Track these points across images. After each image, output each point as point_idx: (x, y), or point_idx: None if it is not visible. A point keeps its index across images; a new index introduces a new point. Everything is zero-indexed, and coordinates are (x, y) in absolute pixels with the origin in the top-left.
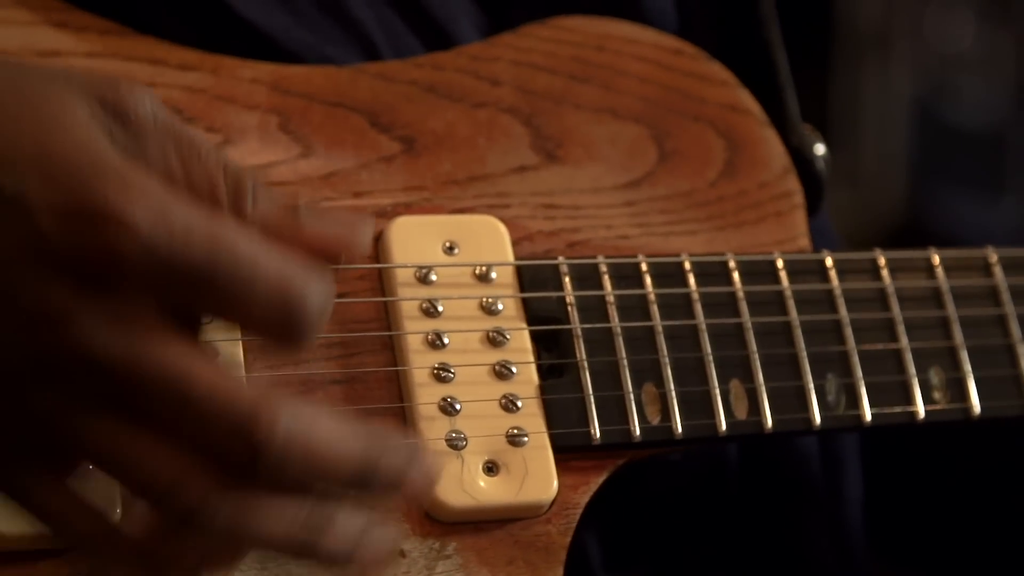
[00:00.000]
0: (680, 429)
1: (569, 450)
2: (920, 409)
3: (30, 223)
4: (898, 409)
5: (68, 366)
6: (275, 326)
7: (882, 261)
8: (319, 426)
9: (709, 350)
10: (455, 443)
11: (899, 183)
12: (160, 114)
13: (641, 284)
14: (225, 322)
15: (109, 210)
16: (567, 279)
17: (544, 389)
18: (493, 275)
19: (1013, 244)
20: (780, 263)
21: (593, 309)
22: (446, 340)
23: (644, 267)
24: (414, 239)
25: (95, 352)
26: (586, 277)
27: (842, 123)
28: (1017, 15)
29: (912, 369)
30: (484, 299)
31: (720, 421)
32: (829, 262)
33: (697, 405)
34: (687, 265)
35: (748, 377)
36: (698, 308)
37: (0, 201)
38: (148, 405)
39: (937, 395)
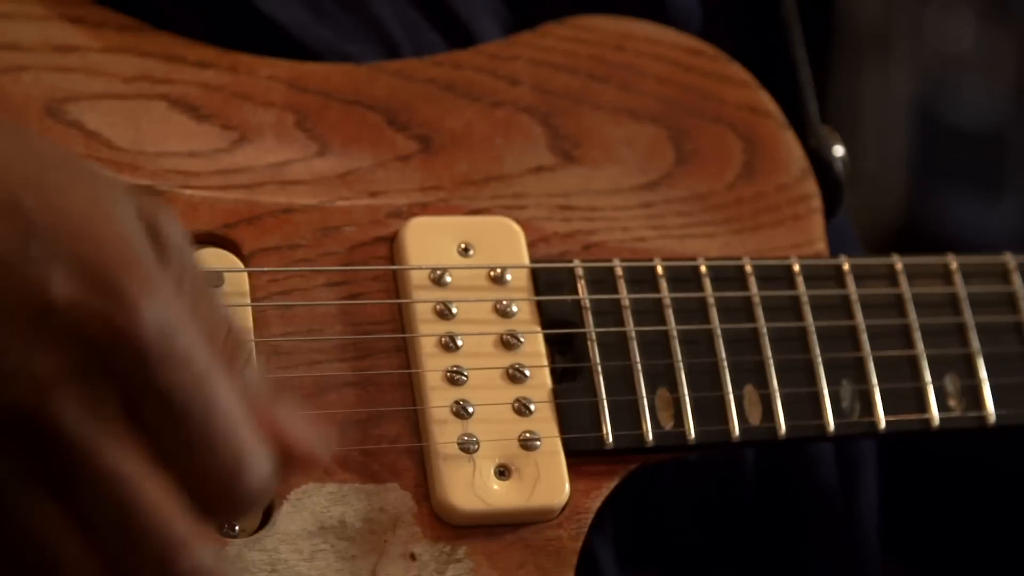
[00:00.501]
0: (693, 434)
1: (581, 454)
2: (935, 416)
3: (46, 289)
4: (913, 416)
5: (31, 433)
6: (213, 488)
7: (899, 266)
8: None
9: (724, 355)
10: (467, 446)
11: (899, 183)
12: (187, 249)
13: (656, 288)
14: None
15: (125, 299)
16: (582, 282)
17: (557, 393)
18: (508, 277)
19: (1014, 244)
20: (797, 268)
21: (608, 313)
22: (460, 343)
23: (660, 271)
24: (429, 240)
25: (62, 429)
26: (601, 280)
27: (842, 123)
28: (1017, 15)
29: (927, 376)
30: (499, 302)
31: (734, 427)
32: (846, 267)
33: (711, 410)
34: (703, 269)
35: (762, 383)
36: (713, 313)
37: (24, 260)
38: (90, 500)
39: (952, 402)
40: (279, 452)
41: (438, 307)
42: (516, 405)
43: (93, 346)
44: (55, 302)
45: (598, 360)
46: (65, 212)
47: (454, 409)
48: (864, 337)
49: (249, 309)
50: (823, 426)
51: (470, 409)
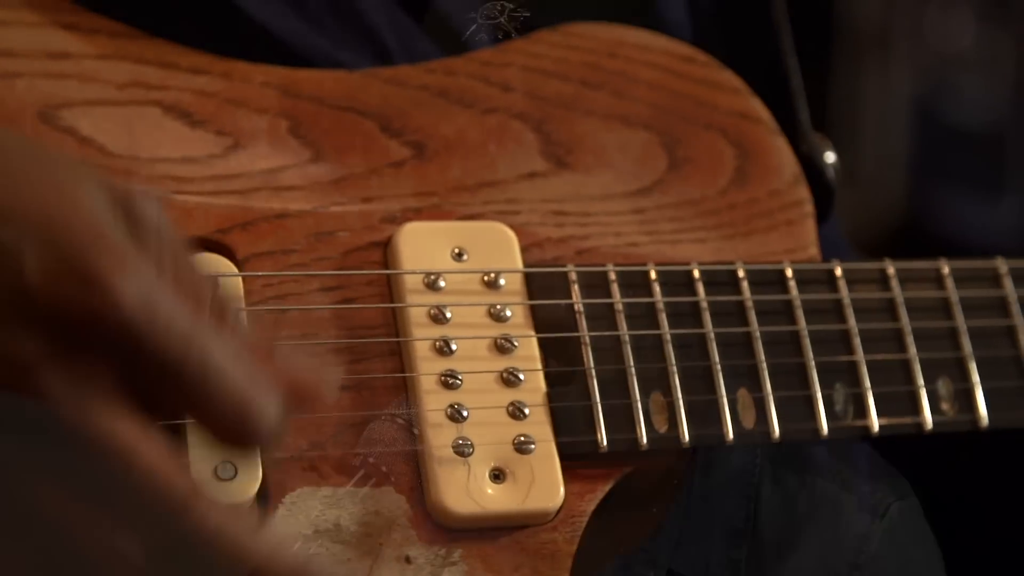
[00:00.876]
0: (687, 438)
1: (576, 458)
2: (928, 420)
3: (20, 274)
4: (906, 419)
5: None
6: (229, 433)
7: (891, 271)
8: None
9: (717, 359)
10: (462, 450)
11: (899, 183)
12: (164, 225)
13: (650, 292)
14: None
15: (99, 278)
16: (575, 287)
17: (551, 396)
18: (502, 282)
19: (1014, 244)
20: (789, 272)
21: (601, 317)
22: (454, 347)
23: (653, 275)
24: (423, 245)
25: (50, 407)
26: (595, 285)
27: (842, 123)
28: (1017, 15)
29: (920, 380)
30: (492, 306)
31: (727, 430)
32: (838, 272)
33: (704, 414)
34: (696, 274)
35: (756, 386)
36: (706, 317)
37: None
38: (88, 472)
39: (945, 406)
40: (286, 391)
41: (432, 311)
42: (510, 409)
43: (72, 326)
44: (31, 286)
45: (592, 364)
46: (33, 199)
47: (449, 413)
48: (857, 341)
49: (244, 314)
50: (816, 429)
51: (465, 413)
